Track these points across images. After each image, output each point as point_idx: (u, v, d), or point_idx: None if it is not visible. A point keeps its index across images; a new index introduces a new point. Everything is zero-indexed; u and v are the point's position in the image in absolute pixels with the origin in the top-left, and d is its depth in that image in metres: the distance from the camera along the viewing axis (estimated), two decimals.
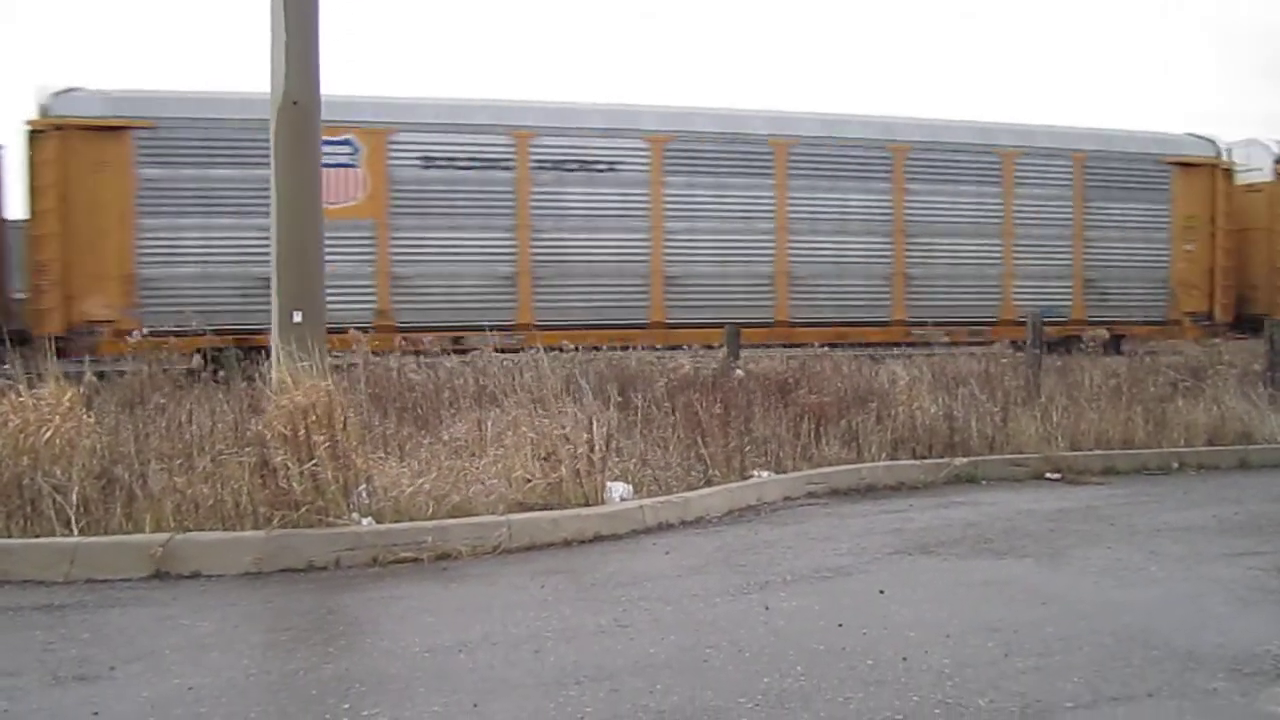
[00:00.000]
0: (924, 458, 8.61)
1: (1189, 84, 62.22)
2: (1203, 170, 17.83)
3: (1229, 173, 18.05)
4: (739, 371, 9.60)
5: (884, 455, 8.53)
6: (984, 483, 8.46)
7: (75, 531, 5.56)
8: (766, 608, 4.87)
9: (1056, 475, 8.68)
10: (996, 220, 16.77)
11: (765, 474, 7.81)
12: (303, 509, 5.76)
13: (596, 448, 6.76)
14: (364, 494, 6.03)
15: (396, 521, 5.95)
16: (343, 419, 6.15)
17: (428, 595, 5.15)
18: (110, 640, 4.41)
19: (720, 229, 15.48)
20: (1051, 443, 9.05)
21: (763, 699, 3.74)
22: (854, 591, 5.21)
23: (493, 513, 6.20)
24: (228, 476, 5.96)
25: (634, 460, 7.26)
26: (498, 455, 6.84)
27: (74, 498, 5.67)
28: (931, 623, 4.64)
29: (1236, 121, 68.80)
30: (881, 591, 5.17)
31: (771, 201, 15.66)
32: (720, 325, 11.71)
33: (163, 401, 7.58)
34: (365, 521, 5.89)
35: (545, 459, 6.66)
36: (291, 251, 7.03)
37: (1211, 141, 18.12)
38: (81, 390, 6.73)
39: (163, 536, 5.52)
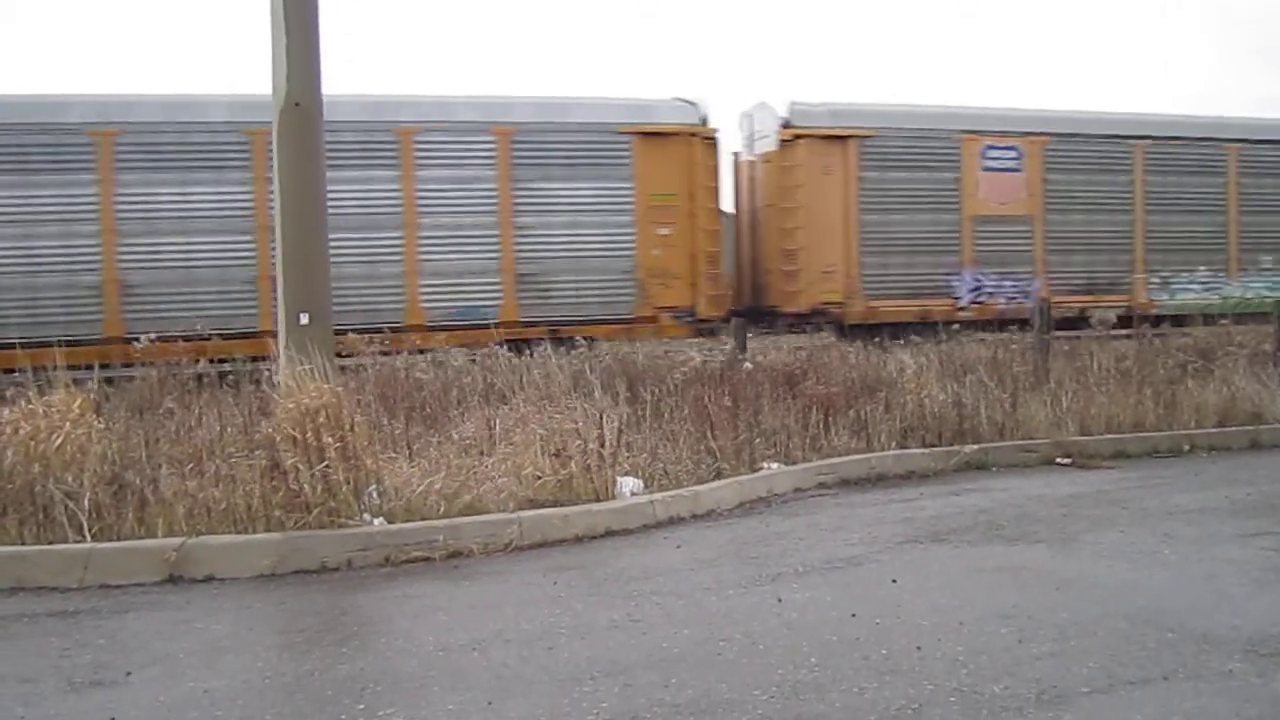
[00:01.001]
0: (933, 446, 8.59)
1: (1185, 68, 62.00)
2: (678, 140, 15.42)
3: (712, 142, 16.00)
4: (747, 364, 9.59)
5: (893, 444, 8.52)
6: (994, 469, 8.44)
7: (88, 537, 5.58)
8: (779, 600, 4.87)
9: (1067, 460, 8.65)
10: (394, 210, 14.42)
11: (775, 466, 7.80)
12: (314, 510, 5.78)
13: (606, 443, 6.76)
14: (374, 494, 6.04)
15: (408, 521, 5.96)
16: (351, 420, 6.16)
17: (440, 594, 5.16)
18: (125, 645, 4.43)
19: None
20: (1061, 427, 9.03)
21: (777, 691, 3.73)
22: (866, 581, 5.20)
23: (503, 510, 6.21)
24: (239, 479, 5.98)
25: (644, 455, 7.25)
26: (507, 452, 6.84)
27: (86, 504, 5.69)
28: (944, 611, 4.63)
29: (1236, 106, 68.55)
30: (894, 581, 5.16)
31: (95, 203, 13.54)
32: None
33: (171, 406, 7.60)
34: (377, 522, 5.90)
35: (555, 455, 6.66)
36: (296, 254, 7.03)
37: (693, 105, 15.87)
38: (90, 396, 6.74)
39: (176, 541, 5.54)
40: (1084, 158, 17.69)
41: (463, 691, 3.80)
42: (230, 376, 8.56)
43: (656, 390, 8.33)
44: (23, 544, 5.58)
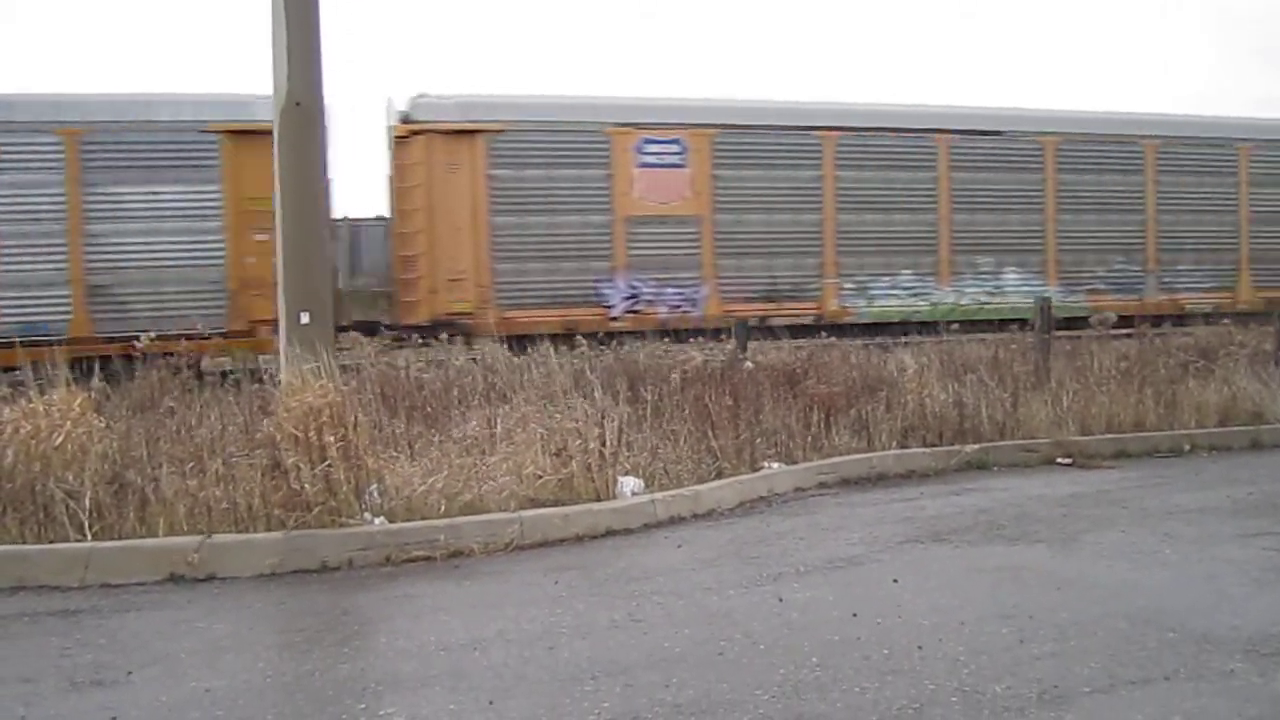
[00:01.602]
0: (934, 445, 8.58)
1: (1187, 68, 61.96)
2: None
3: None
4: (748, 364, 9.59)
5: (894, 444, 8.51)
6: (995, 469, 8.44)
7: (89, 537, 5.58)
8: (780, 599, 4.87)
9: (1067, 460, 8.65)
10: None
11: (776, 465, 7.80)
12: (315, 510, 5.78)
13: (607, 442, 6.76)
14: (376, 494, 6.05)
15: (409, 520, 5.96)
16: (353, 419, 6.16)
17: (441, 593, 5.16)
18: (126, 644, 4.43)
19: None
20: (1062, 427, 9.03)
21: (779, 691, 3.74)
22: (867, 581, 5.20)
23: (504, 510, 6.21)
24: (240, 479, 5.98)
25: (644, 454, 7.25)
26: (508, 452, 6.84)
27: (87, 503, 5.69)
28: (945, 610, 4.63)
29: (1236, 106, 68.53)
30: (895, 580, 5.16)
31: None
32: None
33: (172, 405, 7.60)
34: (378, 521, 5.90)
35: (556, 455, 6.66)
36: (296, 253, 7.03)
37: None
38: (91, 395, 6.74)
39: (184, 541, 5.54)
40: (762, 151, 16.00)
41: (464, 691, 3.80)
42: (232, 375, 8.56)
43: (657, 390, 8.33)
44: (24, 543, 5.58)
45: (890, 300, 16.58)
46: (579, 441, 6.71)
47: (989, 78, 62.07)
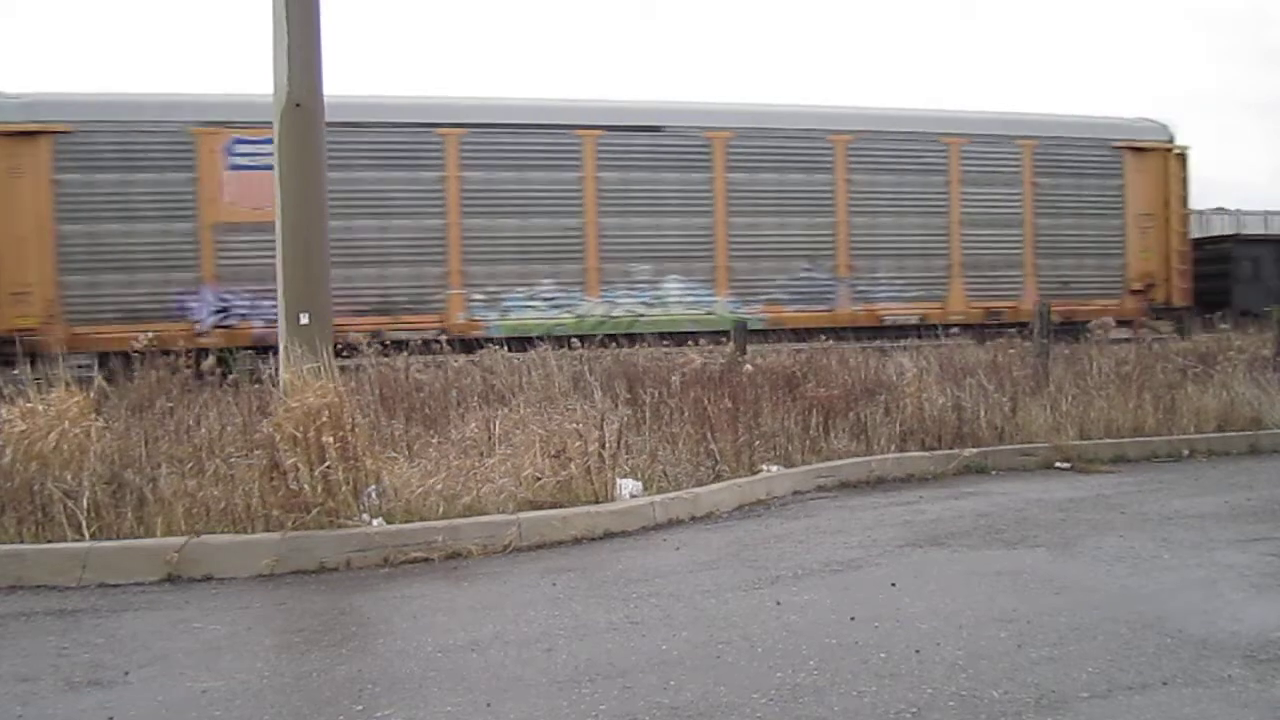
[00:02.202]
0: (933, 449, 8.59)
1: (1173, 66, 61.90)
2: None
3: None
4: (747, 366, 9.59)
5: (893, 447, 8.52)
6: (994, 473, 8.44)
7: (87, 536, 5.58)
8: (778, 602, 4.87)
9: (1066, 464, 8.66)
10: None
11: (774, 468, 7.80)
12: (313, 511, 5.77)
13: (606, 444, 6.76)
14: (374, 495, 6.04)
15: (407, 522, 5.96)
16: (352, 420, 6.16)
17: (439, 595, 5.16)
18: (124, 644, 4.42)
19: None
20: (1061, 432, 9.04)
21: (776, 694, 3.73)
22: (865, 584, 5.20)
23: (503, 511, 6.21)
24: (238, 479, 5.97)
25: (643, 456, 7.25)
26: (506, 454, 6.84)
27: (85, 502, 5.69)
28: (944, 614, 4.63)
29: (1234, 104, 68.52)
30: (893, 584, 5.16)
31: None
32: None
33: (171, 405, 7.59)
34: (376, 522, 5.90)
35: (555, 456, 6.66)
36: (296, 253, 7.03)
37: None
38: (91, 394, 6.74)
39: (178, 540, 5.53)
40: (379, 150, 14.95)
41: (461, 693, 3.80)
42: (231, 375, 8.56)
43: (656, 392, 8.33)
44: (21, 542, 5.57)
45: (528, 312, 15.35)
46: (578, 444, 6.71)
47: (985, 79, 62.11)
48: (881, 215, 16.88)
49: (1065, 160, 18.10)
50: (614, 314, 15.63)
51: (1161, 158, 18.66)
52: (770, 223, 16.32)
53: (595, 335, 14.10)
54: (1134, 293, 18.50)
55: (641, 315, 15.64)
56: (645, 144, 15.87)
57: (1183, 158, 18.94)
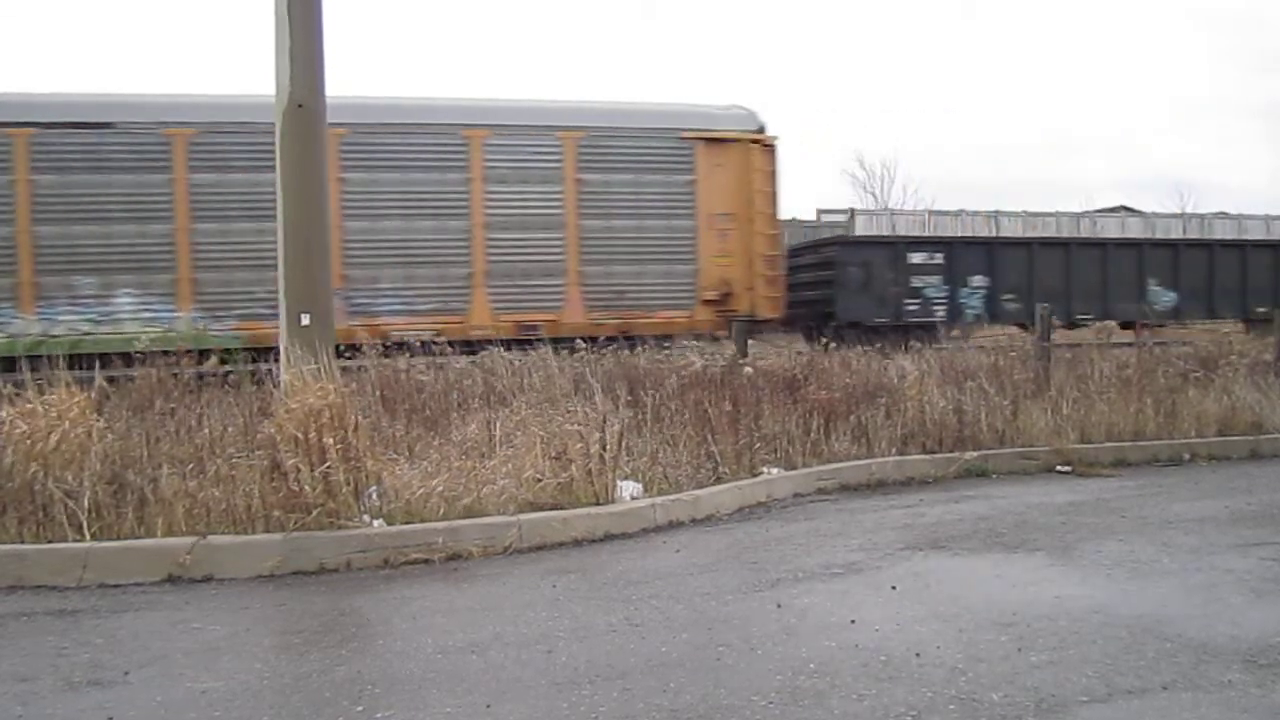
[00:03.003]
0: (934, 452, 8.59)
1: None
2: None
3: None
4: (747, 369, 9.59)
5: (894, 450, 8.52)
6: (994, 476, 8.44)
7: (87, 537, 5.58)
8: (778, 605, 4.86)
9: (1067, 468, 8.65)
10: None
11: (775, 471, 7.80)
12: (314, 512, 5.77)
13: (607, 446, 6.76)
14: (374, 496, 6.04)
15: (407, 523, 5.96)
16: (353, 421, 6.16)
17: (439, 596, 5.16)
18: (123, 645, 4.42)
19: None
20: (1062, 435, 9.03)
21: (776, 697, 3.73)
22: (865, 587, 5.20)
23: (503, 513, 6.21)
24: (239, 480, 5.97)
25: (644, 459, 7.25)
26: (507, 455, 6.84)
27: (85, 503, 5.69)
28: (944, 618, 4.63)
29: (1232, 110, 68.47)
30: (893, 587, 5.16)
31: None
32: None
33: (172, 405, 7.59)
34: (376, 523, 5.90)
35: (555, 458, 6.66)
36: (298, 254, 7.03)
37: None
38: (92, 395, 6.74)
39: (185, 541, 5.53)
40: None
41: (461, 694, 3.80)
42: (231, 376, 8.56)
43: (657, 394, 8.33)
44: (22, 542, 5.57)
45: None
46: (578, 445, 6.71)
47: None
48: (386, 219, 15.48)
49: (619, 154, 16.42)
50: (54, 333, 14.12)
51: (744, 150, 16.80)
52: (244, 229, 14.62)
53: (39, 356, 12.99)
54: (708, 303, 16.77)
55: (88, 334, 14.22)
56: (90, 143, 14.50)
57: (771, 149, 17.10)
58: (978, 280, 20.54)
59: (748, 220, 16.90)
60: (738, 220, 16.86)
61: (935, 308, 20.27)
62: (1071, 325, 19.82)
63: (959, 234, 21.54)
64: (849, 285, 19.68)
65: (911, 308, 20.09)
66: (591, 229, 16.30)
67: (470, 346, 12.05)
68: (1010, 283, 20.63)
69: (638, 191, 16.52)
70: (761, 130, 17.22)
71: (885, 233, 21.80)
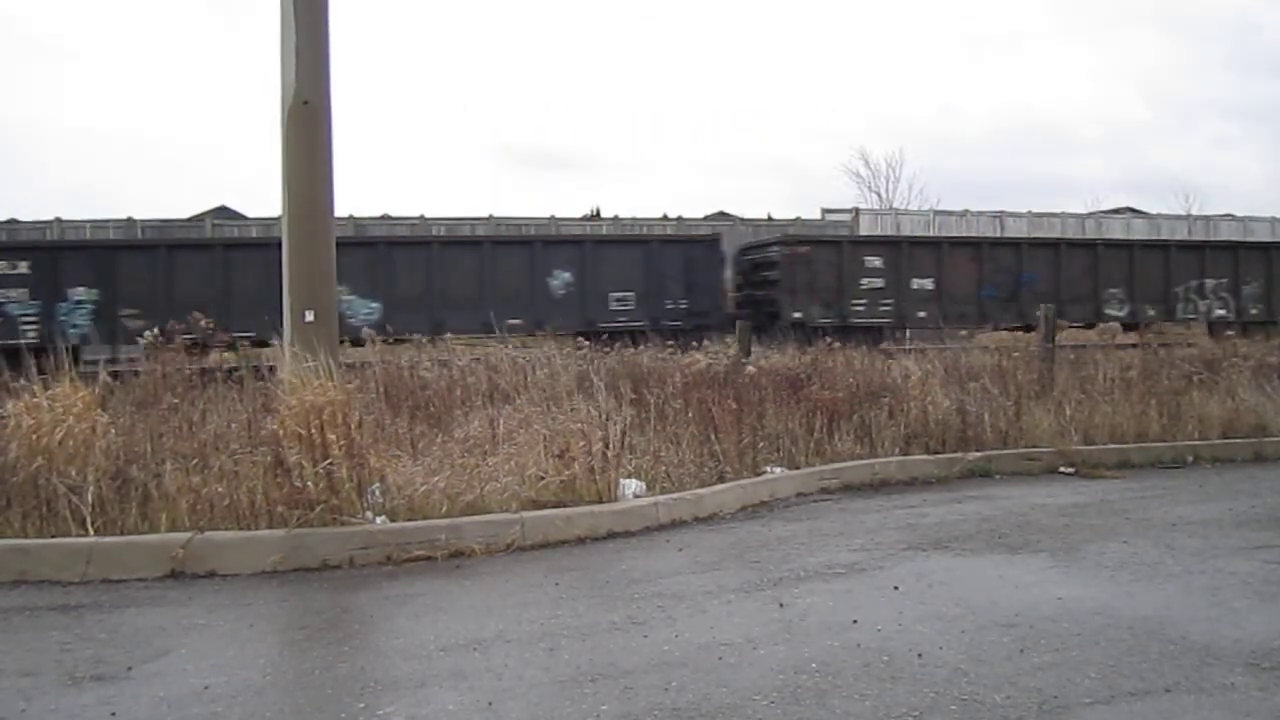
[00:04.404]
0: (937, 453, 8.58)
1: None
2: None
3: None
4: (750, 368, 9.59)
5: (897, 450, 8.51)
6: (998, 477, 8.43)
7: (91, 532, 5.59)
8: (781, 604, 4.86)
9: (1070, 469, 8.64)
10: None
11: (778, 470, 7.80)
12: (317, 508, 5.78)
13: (610, 445, 6.76)
14: (377, 492, 6.05)
15: (410, 520, 5.96)
16: (357, 418, 6.16)
17: (442, 593, 5.16)
18: (126, 640, 4.43)
19: None
20: (1065, 436, 9.02)
21: (778, 696, 3.73)
22: (868, 587, 5.19)
23: (506, 510, 6.21)
24: (242, 476, 5.98)
25: (647, 457, 7.25)
26: (510, 453, 6.84)
27: (89, 498, 5.70)
28: (946, 618, 4.62)
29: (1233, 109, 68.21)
30: (895, 587, 5.15)
31: None
32: None
33: (176, 401, 7.60)
34: (379, 520, 5.90)
35: (558, 456, 6.66)
36: (302, 251, 7.05)
37: None
38: (96, 390, 6.75)
39: (183, 537, 5.54)
40: None
41: (463, 691, 3.80)
42: (236, 373, 8.57)
43: (660, 393, 8.33)
44: (25, 537, 5.59)
45: None
46: (582, 443, 6.71)
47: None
48: None
49: None
50: None
51: None
52: None
53: None
54: None
55: None
56: None
57: None
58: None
59: None
60: None
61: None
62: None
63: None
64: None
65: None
66: None
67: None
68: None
69: None
70: None
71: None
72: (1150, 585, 5.21)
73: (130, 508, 5.79)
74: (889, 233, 27.79)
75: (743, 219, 30.37)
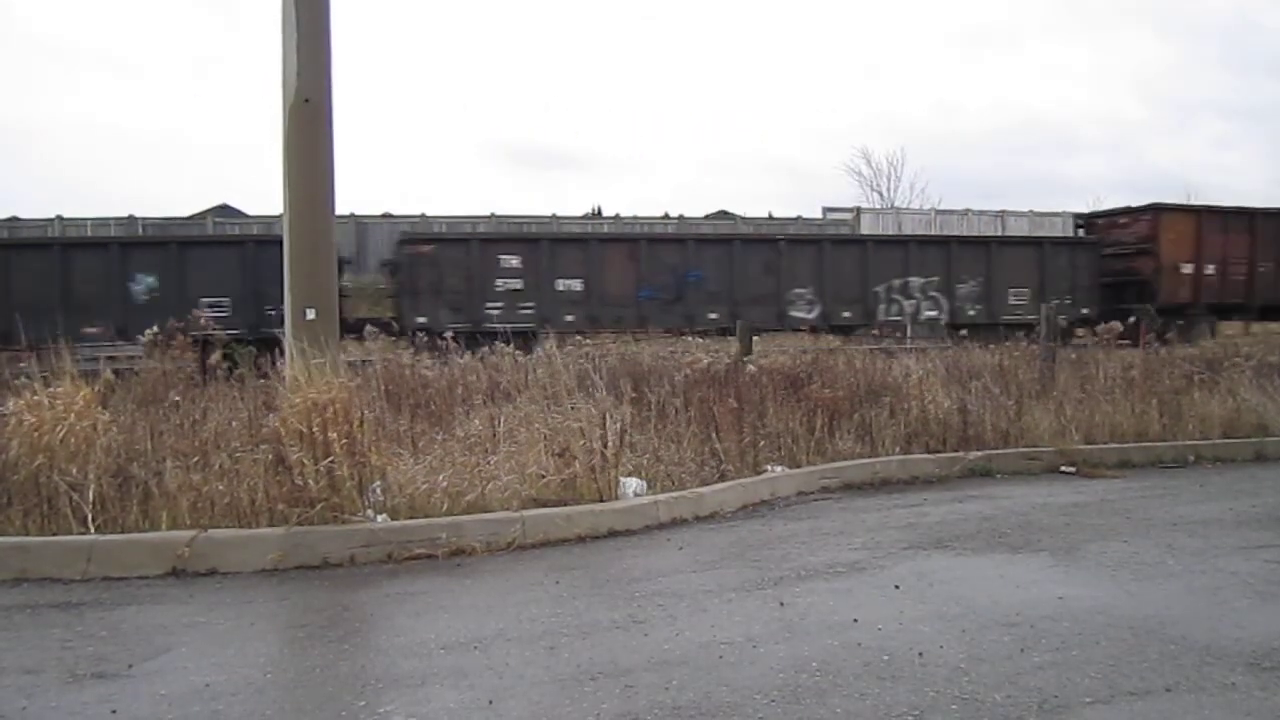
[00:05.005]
0: (938, 452, 8.58)
1: None
2: None
3: None
4: (751, 367, 9.58)
5: (897, 449, 8.51)
6: (998, 476, 8.42)
7: (92, 529, 5.59)
8: (781, 603, 4.86)
9: (1071, 468, 8.64)
10: None
11: (779, 469, 7.80)
12: (318, 506, 5.78)
13: (610, 443, 6.76)
14: (379, 491, 6.05)
15: (411, 518, 5.96)
16: (358, 416, 6.16)
17: (442, 592, 5.16)
18: (128, 638, 4.43)
19: None
20: (1066, 436, 9.02)
21: (778, 695, 3.73)
22: (868, 586, 5.19)
23: (507, 509, 6.21)
24: (243, 474, 5.98)
25: (647, 456, 7.25)
26: (511, 451, 6.84)
27: (90, 495, 5.70)
28: (946, 618, 4.62)
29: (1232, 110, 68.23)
30: (896, 586, 5.15)
31: None
32: None
33: (177, 399, 7.60)
34: (380, 518, 5.91)
35: (559, 455, 6.66)
36: (304, 249, 7.04)
37: None
38: (97, 388, 6.75)
39: (185, 535, 5.54)
40: None
41: (464, 690, 3.80)
42: (236, 371, 8.57)
43: (661, 391, 8.33)
44: (26, 535, 5.59)
45: None
46: (582, 442, 6.71)
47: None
48: None
49: None
50: None
51: None
52: None
53: None
54: None
55: None
56: None
57: None
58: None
59: None
60: None
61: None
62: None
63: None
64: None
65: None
66: None
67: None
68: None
69: None
70: None
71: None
72: (1151, 585, 5.21)
73: (131, 505, 5.80)
74: (889, 232, 27.53)
75: (743, 217, 30.41)
